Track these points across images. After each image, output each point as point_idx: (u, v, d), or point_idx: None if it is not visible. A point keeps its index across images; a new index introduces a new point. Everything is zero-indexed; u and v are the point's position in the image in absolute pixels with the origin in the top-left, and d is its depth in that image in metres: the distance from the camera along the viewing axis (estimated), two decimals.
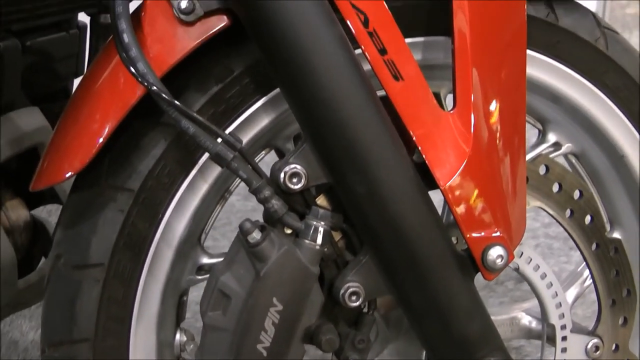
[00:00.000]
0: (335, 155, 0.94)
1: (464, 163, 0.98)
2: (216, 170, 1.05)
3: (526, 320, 1.23)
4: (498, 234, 1.00)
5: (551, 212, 1.14)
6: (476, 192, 0.98)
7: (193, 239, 1.10)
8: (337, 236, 1.02)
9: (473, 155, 0.98)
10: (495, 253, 0.99)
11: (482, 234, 0.99)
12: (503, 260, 0.99)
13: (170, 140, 1.02)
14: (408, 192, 0.95)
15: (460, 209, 0.98)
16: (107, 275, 1.03)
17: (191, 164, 1.04)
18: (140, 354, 1.08)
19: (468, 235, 0.99)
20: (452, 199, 0.97)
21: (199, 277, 1.12)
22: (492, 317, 1.22)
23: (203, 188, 1.06)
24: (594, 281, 1.17)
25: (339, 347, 1.02)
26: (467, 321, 1.00)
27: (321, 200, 1.01)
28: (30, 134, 1.25)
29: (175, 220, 1.06)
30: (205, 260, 1.12)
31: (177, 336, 1.14)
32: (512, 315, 1.24)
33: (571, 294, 1.26)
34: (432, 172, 0.96)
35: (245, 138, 1.05)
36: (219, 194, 1.10)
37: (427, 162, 0.96)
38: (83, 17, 1.35)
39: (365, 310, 1.04)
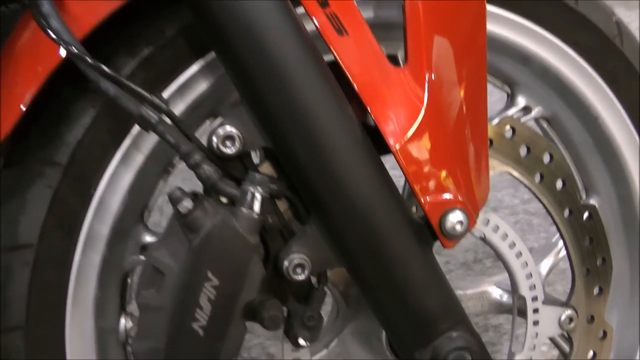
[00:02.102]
0: (272, 115, 0.86)
1: (417, 122, 0.90)
2: (152, 139, 0.97)
3: (497, 293, 1.15)
4: (457, 198, 0.92)
5: (519, 177, 1.06)
6: (431, 153, 0.91)
7: (133, 217, 1.02)
8: (284, 206, 0.94)
9: (427, 114, 0.90)
10: (455, 218, 0.91)
11: (440, 198, 0.91)
12: (463, 226, 0.91)
13: (99, 109, 0.94)
14: (354, 155, 0.87)
15: (414, 172, 0.90)
16: (37, 257, 0.95)
17: (123, 133, 0.96)
18: (78, 342, 1.00)
19: (423, 200, 0.91)
20: (405, 161, 0.89)
21: (144, 258, 1.04)
22: (461, 292, 1.15)
23: (138, 160, 0.98)
24: (567, 249, 1.09)
25: (288, 325, 0.95)
26: (426, 293, 0.92)
27: (265, 168, 0.93)
28: None
29: (110, 196, 0.97)
30: (149, 239, 1.04)
31: (122, 322, 1.06)
32: (482, 289, 1.16)
33: (545, 265, 1.18)
34: (381, 132, 0.88)
35: (183, 104, 0.98)
36: (159, 167, 1.02)
37: (375, 120, 0.88)
38: None
39: (315, 285, 0.96)
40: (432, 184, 0.91)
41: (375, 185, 0.89)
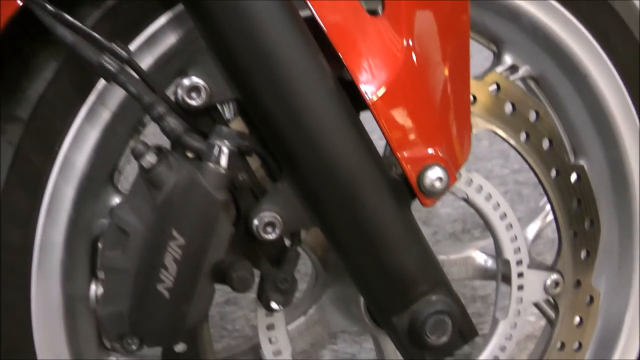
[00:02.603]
0: (240, 64, 0.81)
1: (395, 73, 0.85)
2: (118, 94, 0.92)
3: (481, 258, 1.11)
4: (437, 154, 0.87)
5: (504, 135, 1.02)
6: (410, 106, 0.86)
7: (101, 177, 0.97)
8: (256, 164, 0.89)
9: (406, 65, 0.86)
10: (434, 175, 0.87)
11: (418, 154, 0.87)
12: (442, 183, 0.87)
13: (62, 62, 0.89)
14: (327, 107, 0.83)
15: (391, 126, 0.86)
16: None
17: (88, 87, 0.91)
18: (44, 308, 0.95)
19: (400, 156, 0.86)
20: (382, 115, 0.85)
21: None
22: (444, 257, 1.11)
23: (105, 116, 0.93)
24: (553, 211, 1.05)
25: (261, 289, 0.91)
26: (403, 252, 0.88)
27: (237, 124, 0.89)
28: None
29: (75, 154, 0.93)
30: (119, 201, 1.00)
31: (93, 288, 1.02)
32: (465, 255, 1.12)
33: (532, 229, 1.15)
34: (355, 83, 0.84)
35: (151, 58, 0.93)
36: (127, 124, 0.97)
37: (349, 71, 0.84)
38: None
39: (289, 246, 0.92)
40: (410, 140, 0.86)
41: (349, 139, 0.85)
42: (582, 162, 1.12)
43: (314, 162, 0.84)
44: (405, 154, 0.86)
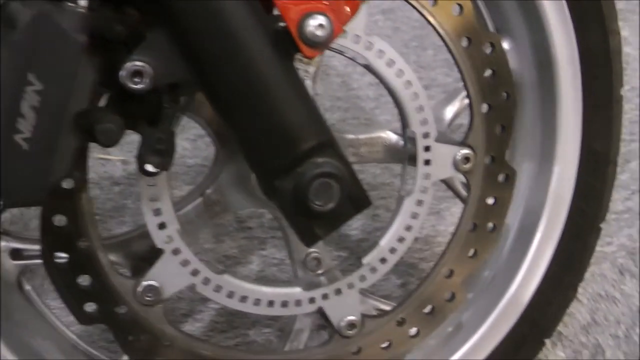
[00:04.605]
0: None
1: None
2: None
3: (393, 138, 1.05)
4: (319, 2, 0.81)
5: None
6: None
7: None
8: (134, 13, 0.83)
9: None
10: (315, 22, 0.80)
11: (299, 1, 0.80)
12: (325, 31, 0.80)
13: None
14: None
15: None
16: None
17: None
18: None
19: (279, 3, 0.80)
20: None
21: None
22: (353, 136, 1.06)
23: None
24: (464, 82, 0.98)
25: (138, 151, 0.85)
26: (282, 106, 0.81)
27: None
28: None
29: None
30: None
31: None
32: (376, 134, 1.05)
33: (450, 111, 1.08)
34: None
35: None
36: None
37: None
38: None
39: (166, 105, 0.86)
40: None
41: None
42: (505, 42, 1.06)
43: (186, 8, 0.77)
44: (283, 0, 0.80)
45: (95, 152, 1.67)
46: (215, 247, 1.51)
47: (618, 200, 1.65)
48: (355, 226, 1.55)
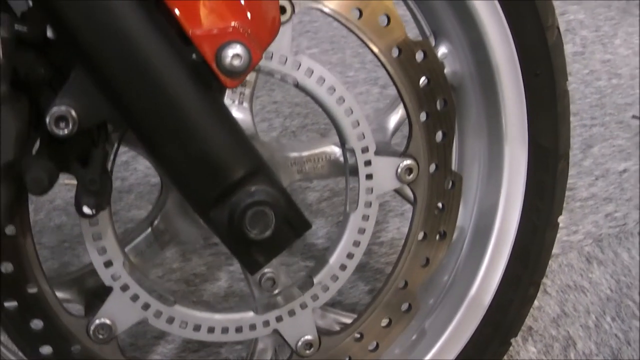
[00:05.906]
0: None
1: None
2: None
3: (337, 152, 1.04)
4: (237, 31, 0.80)
5: (331, 13, 0.94)
6: None
7: None
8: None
9: None
10: (231, 52, 0.79)
11: (213, 31, 0.80)
12: (242, 61, 0.80)
13: None
14: None
15: (182, 5, 0.78)
16: None
17: None
18: None
19: (194, 35, 0.79)
20: None
21: None
22: (296, 154, 1.05)
23: None
24: (398, 92, 0.97)
25: (75, 193, 0.84)
26: (207, 137, 0.81)
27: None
28: None
29: None
30: None
31: None
32: (319, 150, 1.04)
33: (394, 119, 1.08)
34: None
35: None
36: None
37: None
38: None
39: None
40: (204, 17, 0.79)
41: (138, 22, 0.78)
42: (443, 46, 1.06)
43: (99, 41, 0.76)
44: (198, 32, 0.79)
45: (62, 178, 1.67)
46: (183, 266, 1.51)
47: (582, 187, 1.64)
48: (320, 234, 1.55)
